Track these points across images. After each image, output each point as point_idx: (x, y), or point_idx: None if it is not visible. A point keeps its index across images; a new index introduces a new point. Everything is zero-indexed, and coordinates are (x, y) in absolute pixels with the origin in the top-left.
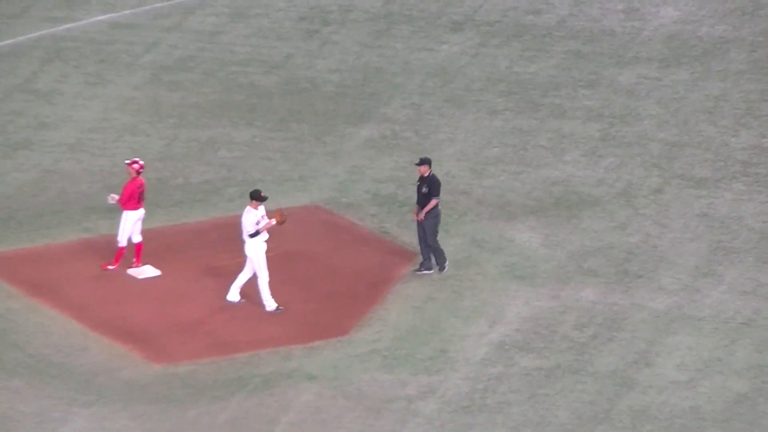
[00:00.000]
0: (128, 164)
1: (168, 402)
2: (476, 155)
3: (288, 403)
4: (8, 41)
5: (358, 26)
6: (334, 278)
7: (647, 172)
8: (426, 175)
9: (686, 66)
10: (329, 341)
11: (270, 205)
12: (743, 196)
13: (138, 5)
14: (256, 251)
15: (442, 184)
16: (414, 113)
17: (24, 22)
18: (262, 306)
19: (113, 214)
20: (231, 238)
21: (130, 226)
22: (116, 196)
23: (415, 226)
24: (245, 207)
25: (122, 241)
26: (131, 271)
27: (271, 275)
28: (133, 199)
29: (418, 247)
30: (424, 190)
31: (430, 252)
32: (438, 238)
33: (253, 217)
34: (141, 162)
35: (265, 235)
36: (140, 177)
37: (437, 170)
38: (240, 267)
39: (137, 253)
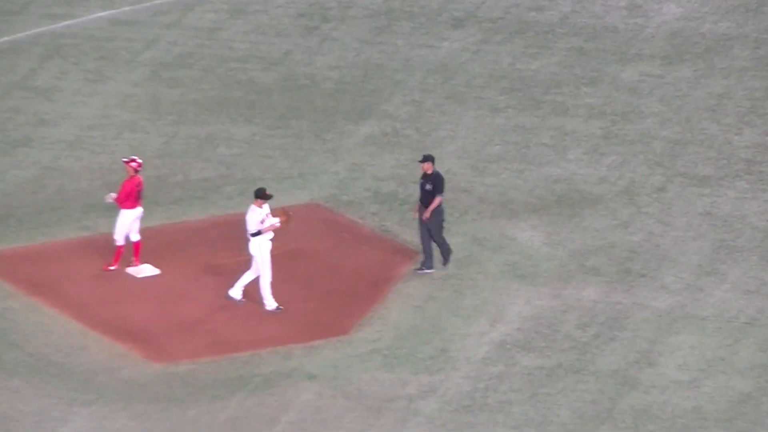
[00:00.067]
0: (126, 162)
1: (168, 401)
2: (478, 153)
3: (288, 403)
4: (7, 38)
5: (358, 22)
6: (335, 277)
7: (650, 171)
8: (429, 172)
9: (689, 63)
10: (329, 340)
11: (270, 203)
12: (746, 194)
13: (137, 2)
14: (260, 250)
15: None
16: (415, 110)
17: (23, 19)
18: (262, 305)
19: (112, 212)
20: (231, 236)
21: (127, 224)
22: (114, 195)
23: (416, 224)
24: (246, 204)
25: (119, 240)
26: (130, 270)
27: (272, 274)
28: (131, 197)
29: (420, 246)
30: (428, 187)
31: (432, 251)
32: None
33: (257, 215)
34: (139, 160)
35: (270, 234)
36: (138, 175)
37: (438, 168)
38: (240, 265)
39: (136, 251)
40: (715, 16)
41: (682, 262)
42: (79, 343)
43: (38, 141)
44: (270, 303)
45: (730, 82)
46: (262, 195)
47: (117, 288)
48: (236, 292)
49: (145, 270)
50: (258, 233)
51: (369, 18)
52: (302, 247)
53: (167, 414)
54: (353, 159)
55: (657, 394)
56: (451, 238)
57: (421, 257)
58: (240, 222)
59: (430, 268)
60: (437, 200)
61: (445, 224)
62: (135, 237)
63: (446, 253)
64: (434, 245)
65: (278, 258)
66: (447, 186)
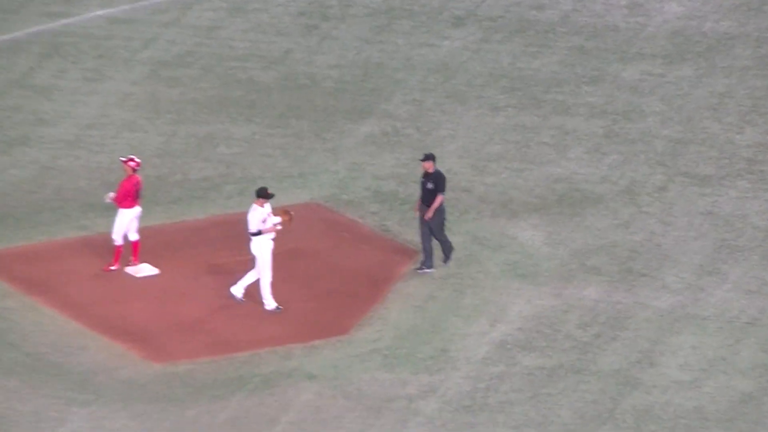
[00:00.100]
0: (124, 162)
1: (167, 401)
2: (478, 152)
3: (288, 403)
4: (6, 36)
5: (358, 21)
6: (335, 277)
7: (651, 170)
8: (431, 171)
9: (691, 62)
10: (329, 340)
11: (270, 202)
12: (748, 193)
13: (136, 0)
14: (262, 249)
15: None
16: (415, 109)
17: (22, 18)
18: (262, 305)
19: (111, 212)
20: (230, 236)
21: (125, 224)
22: (113, 195)
23: (416, 223)
24: (245, 204)
25: (117, 240)
26: (129, 270)
27: (272, 274)
28: (129, 197)
29: (420, 245)
30: (429, 186)
31: (432, 251)
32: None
33: (259, 215)
34: (137, 159)
35: (272, 234)
36: (136, 174)
37: (439, 167)
38: (240, 265)
39: (134, 251)
40: (717, 15)
41: (683, 261)
42: (77, 342)
43: (37, 140)
44: (269, 303)
45: (731, 81)
46: (263, 194)
47: (116, 287)
48: (238, 290)
49: (144, 269)
50: (258, 233)
51: (369, 17)
52: (302, 247)
53: (167, 414)
54: (353, 158)
55: (658, 394)
56: (452, 238)
57: (421, 257)
58: (240, 221)
59: (430, 267)
60: (439, 199)
61: (446, 223)
62: (134, 236)
63: (448, 250)
64: (435, 244)
65: (278, 258)
66: (447, 185)
